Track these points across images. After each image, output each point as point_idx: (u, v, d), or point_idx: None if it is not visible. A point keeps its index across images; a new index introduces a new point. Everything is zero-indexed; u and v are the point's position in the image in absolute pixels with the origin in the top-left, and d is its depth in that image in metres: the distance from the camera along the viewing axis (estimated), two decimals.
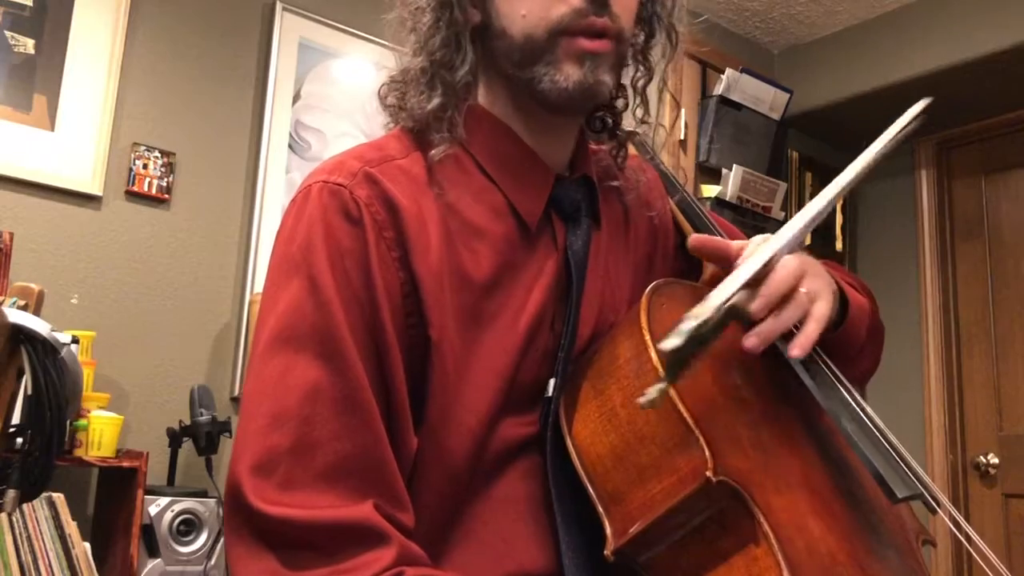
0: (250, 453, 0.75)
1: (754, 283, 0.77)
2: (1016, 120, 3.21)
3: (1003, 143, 3.29)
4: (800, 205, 3.28)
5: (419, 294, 0.79)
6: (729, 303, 0.73)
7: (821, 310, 0.80)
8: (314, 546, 0.71)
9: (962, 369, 3.26)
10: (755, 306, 0.76)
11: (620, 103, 0.97)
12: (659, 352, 0.73)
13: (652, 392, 0.67)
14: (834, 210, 3.48)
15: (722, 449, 0.72)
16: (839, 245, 3.49)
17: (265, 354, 0.78)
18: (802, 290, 0.79)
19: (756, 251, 0.80)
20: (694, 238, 0.85)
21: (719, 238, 0.85)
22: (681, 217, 1.03)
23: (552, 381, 0.85)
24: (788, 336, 0.79)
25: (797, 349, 0.77)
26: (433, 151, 0.84)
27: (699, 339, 0.69)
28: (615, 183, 0.98)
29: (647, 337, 0.77)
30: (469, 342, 0.81)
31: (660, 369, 0.73)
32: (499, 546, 0.81)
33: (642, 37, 0.93)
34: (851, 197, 3.58)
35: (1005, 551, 3.04)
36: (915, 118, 0.89)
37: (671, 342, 0.67)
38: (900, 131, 0.88)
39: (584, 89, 0.83)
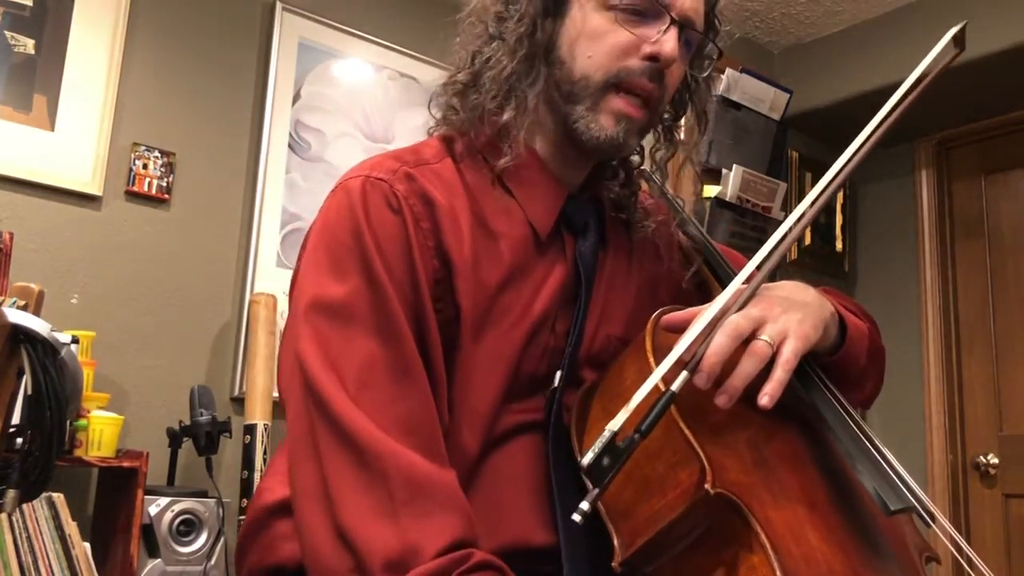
0: (342, 388, 0.80)
1: (697, 356, 0.76)
2: (1016, 120, 3.21)
3: (1003, 143, 3.29)
4: None
5: (452, 281, 0.87)
6: (664, 392, 0.72)
7: (788, 352, 0.79)
8: (395, 497, 0.76)
9: (962, 369, 3.25)
10: (698, 381, 0.76)
11: (635, 159, 1.05)
12: (661, 380, 0.74)
13: (583, 505, 0.68)
14: (834, 210, 3.48)
15: (722, 463, 0.74)
16: (839, 245, 3.49)
17: (322, 321, 0.83)
18: (763, 338, 0.79)
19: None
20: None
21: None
22: (688, 246, 1.07)
23: (559, 373, 0.91)
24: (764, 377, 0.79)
25: (765, 399, 0.77)
26: (502, 161, 0.91)
27: (627, 443, 0.68)
28: (625, 217, 1.05)
29: (651, 361, 0.81)
30: (481, 331, 0.88)
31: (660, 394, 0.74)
32: (497, 517, 0.85)
33: (670, 115, 1.03)
34: (851, 197, 3.58)
35: (1005, 551, 3.03)
36: (948, 50, 0.87)
37: (587, 458, 0.68)
38: (931, 67, 0.85)
39: (613, 146, 0.92)
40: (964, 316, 3.29)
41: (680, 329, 0.83)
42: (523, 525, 0.86)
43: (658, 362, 0.76)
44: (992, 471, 3.11)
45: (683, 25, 0.91)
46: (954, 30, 0.88)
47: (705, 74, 1.00)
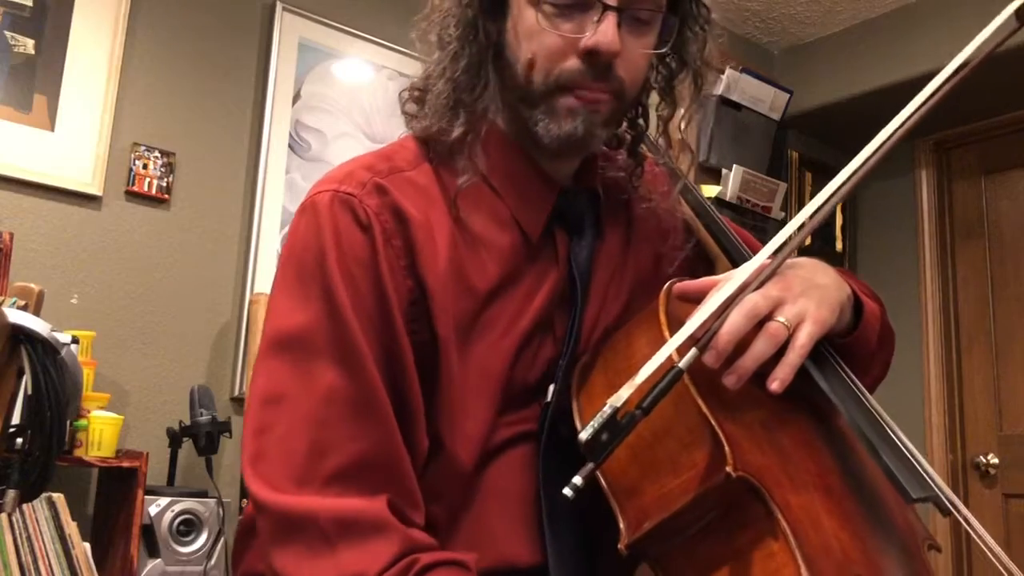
0: (269, 461, 0.78)
1: (710, 333, 0.74)
2: (1016, 120, 3.21)
3: (1003, 143, 3.29)
4: (800, 205, 3.28)
5: (426, 303, 0.82)
6: (671, 368, 0.69)
7: (803, 337, 0.76)
8: (328, 536, 0.74)
9: (962, 369, 3.25)
10: (708, 359, 0.73)
11: (639, 124, 0.97)
12: (677, 351, 0.72)
13: (577, 479, 0.66)
14: (834, 210, 3.47)
15: (741, 445, 0.72)
16: (839, 245, 3.49)
17: (280, 360, 0.80)
18: (779, 319, 0.76)
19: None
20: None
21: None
22: (693, 216, 1.03)
23: (552, 387, 0.86)
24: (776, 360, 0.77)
25: (775, 383, 0.75)
26: (460, 180, 0.85)
27: (628, 419, 0.66)
28: (624, 197, 0.99)
29: (665, 333, 0.78)
30: (467, 347, 0.83)
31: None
32: (484, 537, 0.83)
33: (666, 72, 0.94)
34: (851, 198, 3.58)
35: (1005, 551, 3.03)
36: (1009, 24, 0.79)
37: (586, 432, 0.66)
38: (990, 41, 0.79)
39: (574, 141, 0.85)
40: (964, 316, 3.29)
41: (694, 299, 0.80)
42: (511, 544, 0.83)
43: (672, 334, 0.73)
44: (992, 471, 3.10)
45: (621, 8, 0.81)
46: (1017, 3, 0.83)
47: (667, 47, 0.88)
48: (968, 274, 3.31)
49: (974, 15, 2.87)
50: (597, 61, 0.81)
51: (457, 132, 0.85)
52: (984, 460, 3.12)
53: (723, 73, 3.09)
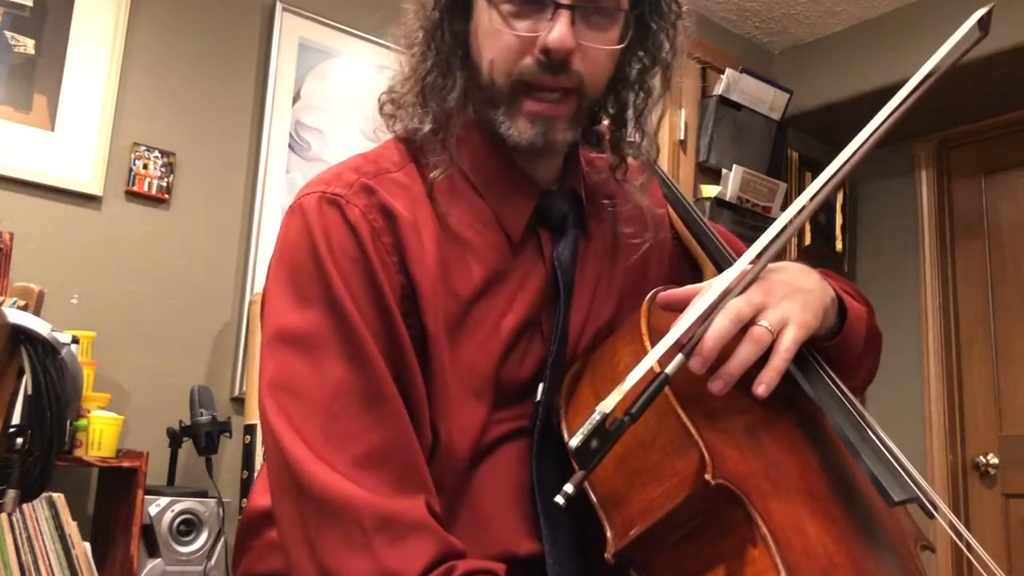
0: (300, 441, 0.78)
1: (695, 339, 0.75)
2: (1016, 120, 3.21)
3: (1003, 143, 3.29)
4: None
5: (417, 299, 0.83)
6: (658, 375, 0.70)
7: (788, 340, 0.77)
8: (368, 530, 0.74)
9: (962, 369, 3.26)
10: (694, 365, 0.74)
11: (626, 118, 0.97)
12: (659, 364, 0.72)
13: (568, 487, 0.66)
14: (834, 210, 3.48)
15: (721, 453, 0.73)
16: (839, 245, 3.49)
17: (288, 352, 0.80)
18: (763, 324, 0.77)
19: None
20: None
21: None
22: (680, 224, 1.04)
23: (541, 385, 0.87)
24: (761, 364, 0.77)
25: (761, 387, 0.76)
26: (432, 173, 0.87)
27: (617, 426, 0.67)
28: (608, 199, 1.00)
29: (647, 343, 0.79)
30: (456, 346, 0.85)
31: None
32: (482, 529, 0.84)
33: (639, 65, 0.94)
34: (851, 197, 3.58)
35: (1005, 552, 3.03)
36: (972, 34, 0.83)
37: (576, 440, 0.66)
38: (952, 54, 0.83)
39: (536, 148, 0.86)
40: (964, 316, 3.29)
41: (678, 308, 0.80)
42: (508, 535, 0.84)
43: (654, 344, 0.74)
44: (992, 471, 3.11)
45: (574, 6, 0.82)
46: (980, 13, 0.85)
47: (627, 42, 0.88)
48: (968, 274, 3.31)
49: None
50: (552, 59, 0.82)
51: (427, 127, 0.87)
52: (984, 460, 3.12)
53: (722, 73, 3.09)
